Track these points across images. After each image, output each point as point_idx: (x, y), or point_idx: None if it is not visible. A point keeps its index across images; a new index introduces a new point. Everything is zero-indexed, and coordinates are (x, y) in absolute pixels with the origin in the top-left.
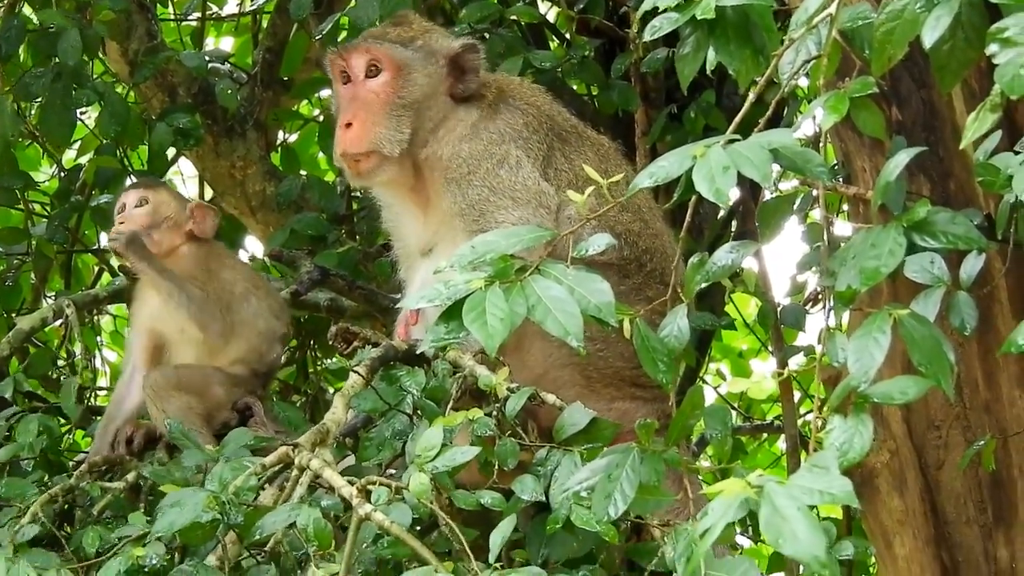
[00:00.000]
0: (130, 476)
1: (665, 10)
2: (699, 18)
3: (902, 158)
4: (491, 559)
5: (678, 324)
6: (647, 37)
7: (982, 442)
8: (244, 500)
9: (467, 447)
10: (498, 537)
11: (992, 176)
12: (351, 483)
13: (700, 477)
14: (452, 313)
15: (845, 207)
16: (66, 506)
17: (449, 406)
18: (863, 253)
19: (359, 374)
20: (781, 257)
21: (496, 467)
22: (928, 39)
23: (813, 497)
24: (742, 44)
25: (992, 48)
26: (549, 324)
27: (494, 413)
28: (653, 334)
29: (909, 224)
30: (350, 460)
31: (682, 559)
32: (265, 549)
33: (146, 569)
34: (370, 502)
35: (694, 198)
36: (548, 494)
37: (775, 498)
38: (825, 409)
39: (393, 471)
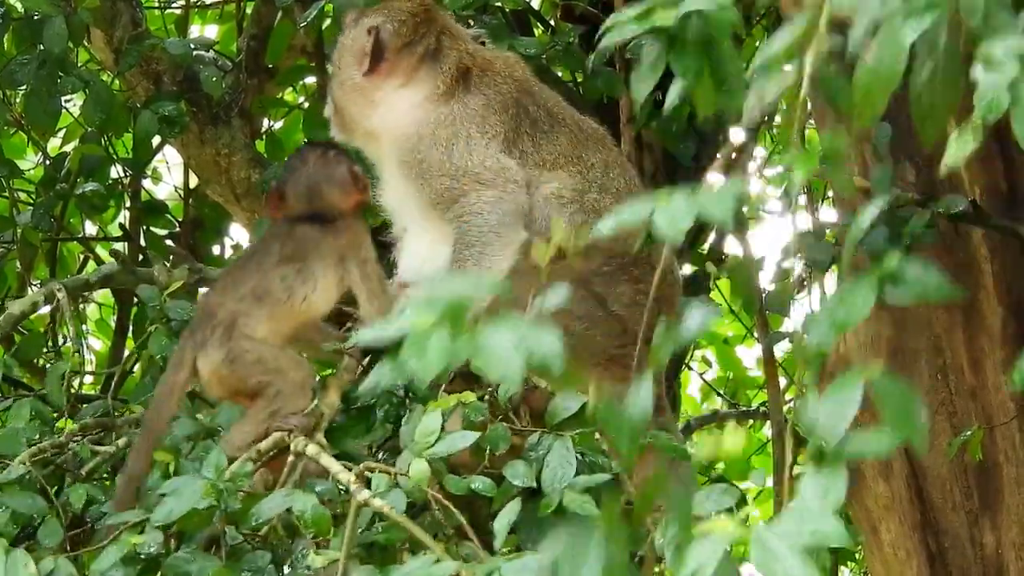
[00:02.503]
0: (121, 441)
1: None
2: (658, 26)
3: (870, 214)
4: (497, 544)
5: (641, 397)
6: (604, 44)
7: (970, 432)
8: (240, 486)
9: (465, 432)
10: (504, 521)
11: None
12: (347, 468)
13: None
14: (398, 351)
15: (830, 193)
16: (54, 467)
17: (442, 388)
18: (834, 311)
19: (352, 356)
20: (766, 243)
21: (488, 451)
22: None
23: (803, 538)
24: (702, 63)
25: (977, 71)
26: (490, 372)
27: (486, 397)
28: (616, 408)
29: (881, 277)
30: None
31: (671, 545)
32: (259, 534)
33: (142, 556)
34: (368, 488)
35: (674, 184)
36: (540, 479)
37: (766, 541)
38: (800, 458)
39: (385, 453)
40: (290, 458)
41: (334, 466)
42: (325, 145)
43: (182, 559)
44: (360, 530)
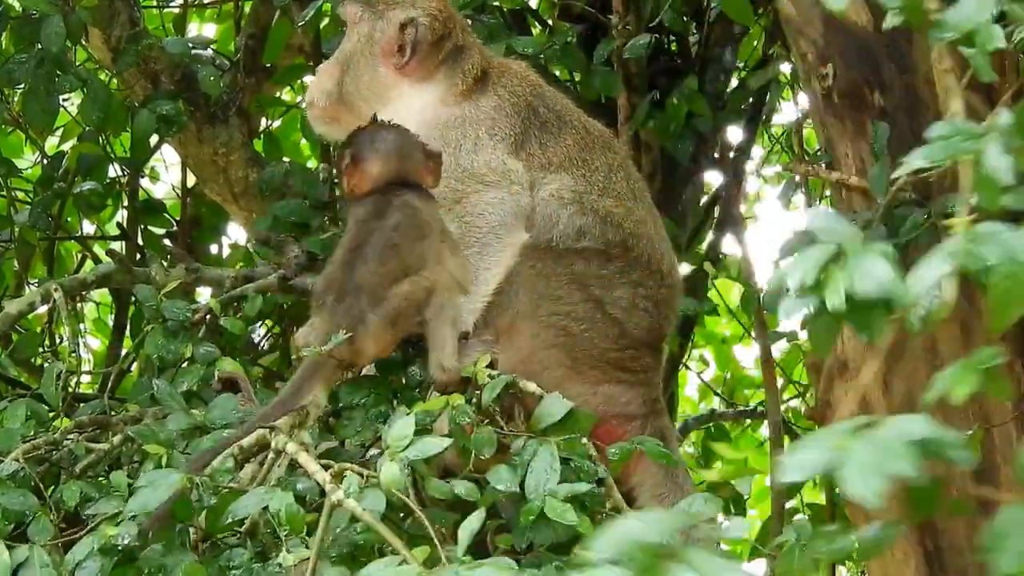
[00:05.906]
0: (116, 439)
1: None
2: None
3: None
4: (459, 552)
5: None
6: None
7: (970, 432)
8: (219, 482)
9: (439, 438)
10: (467, 531)
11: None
12: (326, 468)
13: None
14: None
15: (828, 192)
16: (49, 464)
17: (431, 390)
18: None
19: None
20: (764, 242)
21: (473, 455)
22: None
23: None
24: None
25: None
26: None
27: (473, 400)
28: None
29: None
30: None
31: None
32: (240, 530)
33: (119, 548)
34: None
35: (672, 184)
36: (524, 485)
37: None
38: None
39: (376, 451)
40: (270, 456)
41: (311, 465)
42: (387, 123)
43: (158, 552)
44: (340, 529)
